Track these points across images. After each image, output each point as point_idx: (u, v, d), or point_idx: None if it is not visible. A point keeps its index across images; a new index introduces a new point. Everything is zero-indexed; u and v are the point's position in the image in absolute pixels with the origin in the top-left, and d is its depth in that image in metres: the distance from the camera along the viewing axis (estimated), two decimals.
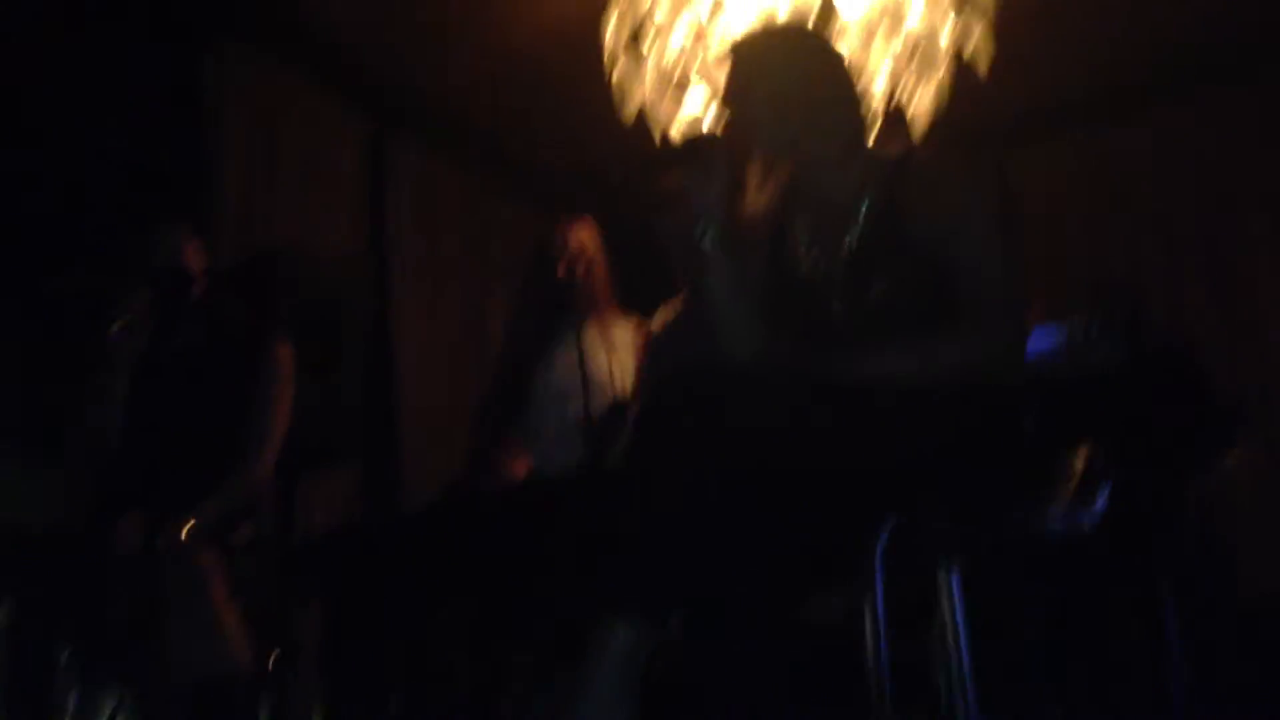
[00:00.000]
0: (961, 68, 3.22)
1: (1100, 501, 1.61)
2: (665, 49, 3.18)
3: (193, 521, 2.50)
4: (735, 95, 2.00)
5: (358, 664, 2.83)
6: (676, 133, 3.23)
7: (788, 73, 1.95)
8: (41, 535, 2.60)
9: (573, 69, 3.94)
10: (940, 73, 3.19)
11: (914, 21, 3.23)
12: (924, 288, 1.82)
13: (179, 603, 2.36)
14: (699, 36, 3.25)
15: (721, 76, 3.28)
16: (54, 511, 2.79)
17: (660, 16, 3.20)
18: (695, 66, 3.17)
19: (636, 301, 3.46)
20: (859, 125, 1.99)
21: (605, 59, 3.26)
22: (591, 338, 3.26)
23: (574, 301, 3.27)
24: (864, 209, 1.90)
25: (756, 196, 1.92)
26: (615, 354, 3.27)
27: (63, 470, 2.82)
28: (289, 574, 2.90)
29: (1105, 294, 3.46)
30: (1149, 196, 4.90)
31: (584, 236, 3.30)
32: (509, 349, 3.45)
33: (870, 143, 2.02)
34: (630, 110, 3.23)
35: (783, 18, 3.25)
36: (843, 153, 1.94)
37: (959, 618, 1.68)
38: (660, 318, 3.17)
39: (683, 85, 3.20)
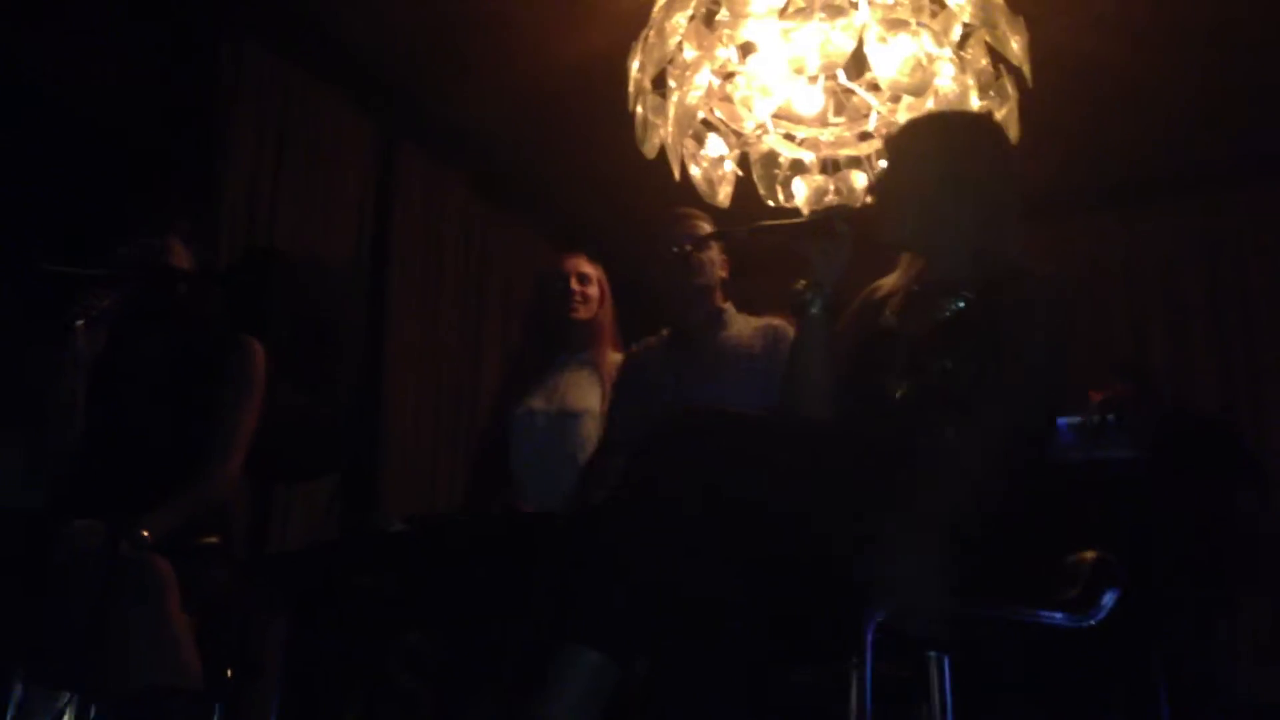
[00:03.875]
0: None
1: (1106, 603, 1.55)
2: (690, 89, 3.13)
3: (150, 526, 2.39)
4: (882, 185, 2.13)
5: (319, 683, 2.76)
6: (697, 172, 3.19)
7: (937, 168, 1.98)
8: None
9: (593, 100, 3.93)
10: None
11: (945, 82, 3.20)
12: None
13: (128, 609, 2.25)
14: (726, 78, 3.21)
15: (743, 117, 3.27)
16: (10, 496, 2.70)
17: (687, 55, 3.16)
18: (718, 109, 3.12)
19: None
20: (1001, 220, 1.97)
21: (630, 94, 3.21)
22: (586, 371, 3.24)
23: (574, 333, 3.25)
24: (959, 303, 1.91)
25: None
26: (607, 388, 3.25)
27: (25, 454, 2.71)
28: (255, 586, 2.82)
29: (1123, 380, 3.41)
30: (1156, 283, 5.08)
31: (588, 269, 3.28)
32: (510, 379, 3.44)
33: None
34: (652, 145, 3.18)
35: (812, 68, 3.22)
36: (969, 250, 1.95)
37: (948, 699, 1.63)
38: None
39: (707, 125, 3.16)
